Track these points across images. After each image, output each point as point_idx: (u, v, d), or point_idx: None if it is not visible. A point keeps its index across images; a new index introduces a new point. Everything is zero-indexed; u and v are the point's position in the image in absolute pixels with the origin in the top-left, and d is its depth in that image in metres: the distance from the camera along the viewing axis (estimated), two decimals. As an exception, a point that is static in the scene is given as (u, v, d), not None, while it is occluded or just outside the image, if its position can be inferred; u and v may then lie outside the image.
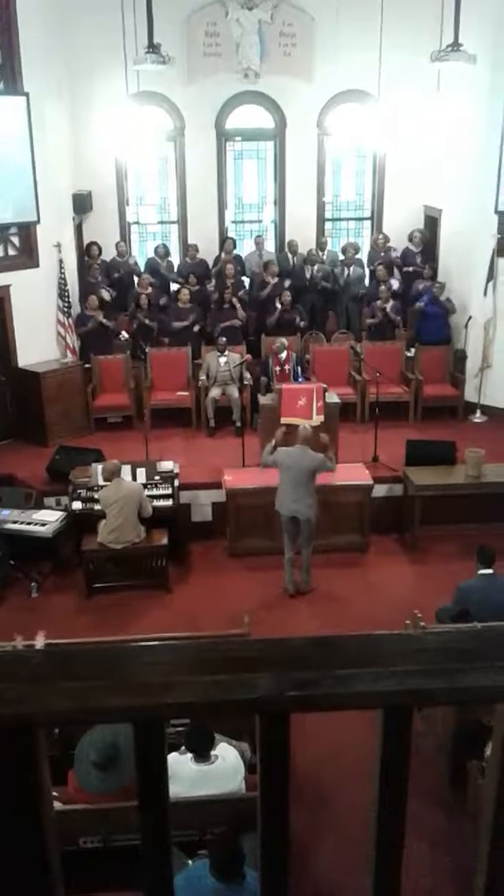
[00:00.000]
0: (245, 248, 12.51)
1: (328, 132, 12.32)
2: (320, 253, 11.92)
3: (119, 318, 11.21)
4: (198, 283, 11.43)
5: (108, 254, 11.75)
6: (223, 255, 11.84)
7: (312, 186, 12.49)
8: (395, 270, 11.78)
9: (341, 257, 11.95)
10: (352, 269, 11.70)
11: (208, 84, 11.76)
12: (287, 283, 11.33)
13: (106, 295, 11.12)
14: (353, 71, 11.42)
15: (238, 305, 11.04)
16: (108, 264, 11.66)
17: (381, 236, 12.20)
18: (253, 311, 11.46)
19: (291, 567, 7.68)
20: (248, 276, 11.99)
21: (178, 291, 11.24)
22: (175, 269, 12.04)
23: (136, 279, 11.51)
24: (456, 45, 9.70)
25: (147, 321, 10.93)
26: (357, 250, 11.99)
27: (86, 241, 11.80)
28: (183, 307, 11.01)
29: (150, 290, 11.13)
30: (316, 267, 11.68)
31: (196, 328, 11.04)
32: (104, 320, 10.75)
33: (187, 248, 12.06)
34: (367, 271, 11.94)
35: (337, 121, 12.28)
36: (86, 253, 11.61)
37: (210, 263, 11.96)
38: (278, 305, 11.04)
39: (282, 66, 11.79)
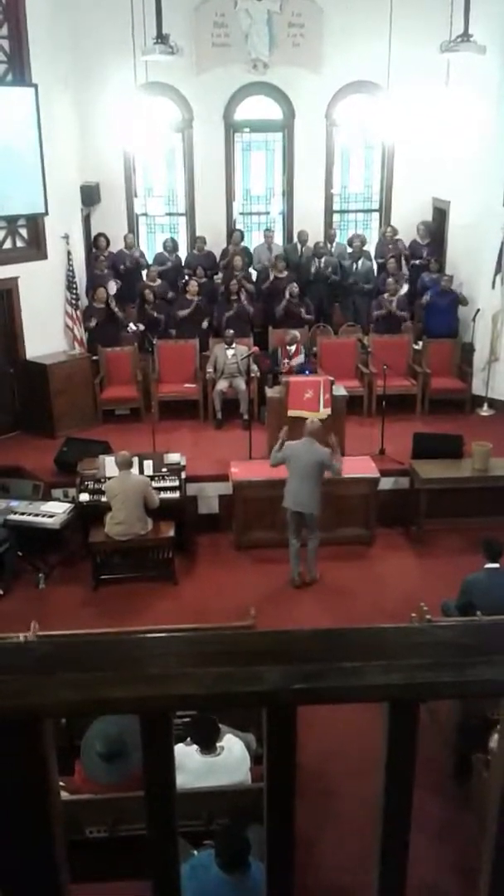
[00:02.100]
0: (253, 240, 12.47)
1: (337, 123, 12.28)
2: (328, 245, 11.89)
3: (128, 310, 11.20)
4: (205, 276, 11.41)
5: (116, 246, 11.74)
6: (231, 247, 11.81)
7: (321, 178, 12.44)
8: (404, 265, 11.74)
9: (349, 250, 11.92)
10: (360, 261, 11.66)
11: (217, 75, 11.72)
12: (292, 277, 11.29)
13: (113, 287, 11.11)
14: (362, 62, 11.36)
15: (244, 299, 11.01)
16: (115, 256, 11.64)
17: (389, 228, 12.15)
18: (260, 304, 11.44)
19: (297, 559, 7.69)
20: (255, 269, 11.96)
21: (185, 283, 11.22)
22: (183, 262, 12.02)
23: (143, 272, 11.49)
24: (466, 36, 9.63)
25: (154, 314, 10.92)
26: (364, 242, 11.94)
27: (94, 232, 11.79)
28: (191, 299, 10.99)
29: (157, 282, 11.12)
30: (324, 259, 11.65)
31: (204, 324, 11.02)
32: (115, 308, 10.74)
33: (195, 240, 12.04)
34: (374, 264, 11.89)
35: (345, 112, 12.23)
36: (93, 244, 11.60)
37: (218, 255, 11.94)
38: (286, 296, 11.01)
39: (290, 57, 11.73)
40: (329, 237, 12.07)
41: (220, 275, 11.63)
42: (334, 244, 12.02)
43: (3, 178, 9.48)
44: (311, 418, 7.64)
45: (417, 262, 11.79)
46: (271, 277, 11.28)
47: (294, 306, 11.04)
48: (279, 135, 12.43)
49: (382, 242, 12.16)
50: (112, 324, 10.86)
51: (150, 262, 11.91)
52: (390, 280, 11.09)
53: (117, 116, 11.26)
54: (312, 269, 11.60)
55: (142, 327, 10.71)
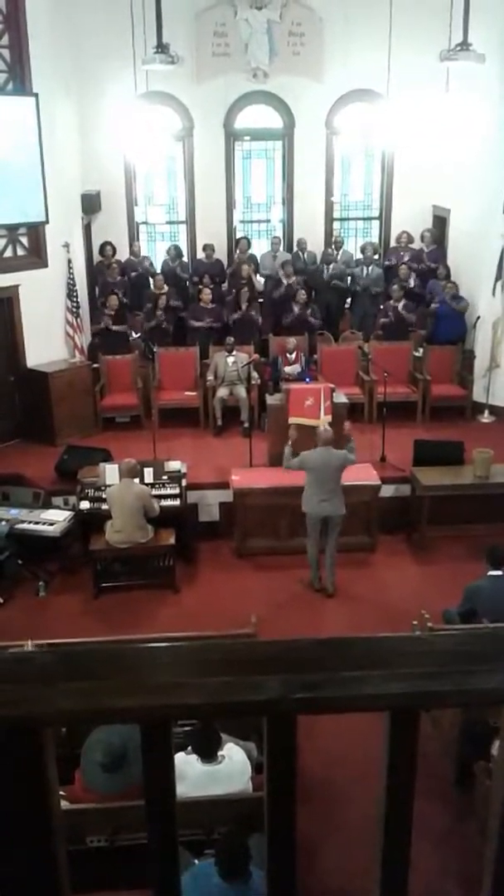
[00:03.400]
0: (256, 248, 12.50)
1: (337, 132, 12.32)
2: (335, 252, 11.93)
3: (132, 320, 11.22)
4: (213, 283, 11.43)
5: (119, 254, 11.77)
6: (238, 254, 11.84)
7: (321, 186, 12.49)
8: (412, 273, 11.77)
9: (358, 256, 11.95)
10: (370, 268, 11.69)
11: (217, 84, 11.77)
12: (302, 284, 11.31)
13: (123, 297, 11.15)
14: (361, 70, 11.41)
15: (250, 306, 11.02)
16: (124, 264, 11.68)
17: (404, 234, 12.17)
18: (269, 311, 11.46)
19: (317, 563, 7.70)
20: (261, 276, 11.99)
21: (199, 292, 11.23)
22: (189, 270, 12.05)
23: (151, 280, 11.52)
24: (465, 45, 9.67)
25: (165, 324, 10.93)
26: (376, 250, 12.00)
27: (94, 241, 11.82)
28: (205, 307, 11.01)
29: (165, 288, 11.13)
30: (331, 266, 11.68)
31: (217, 325, 11.04)
32: (113, 326, 10.77)
33: (203, 248, 12.06)
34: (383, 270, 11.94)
35: (346, 120, 12.28)
36: (100, 253, 11.64)
37: (224, 263, 11.97)
38: (295, 309, 11.02)
39: (291, 66, 11.79)
40: (336, 244, 12.10)
41: (227, 282, 11.66)
42: (341, 251, 12.05)
43: (4, 187, 9.50)
44: (324, 426, 7.66)
45: (424, 266, 11.82)
46: (285, 283, 11.29)
47: (304, 314, 11.06)
48: (279, 143, 12.48)
49: (395, 248, 12.19)
50: (118, 332, 10.88)
51: (157, 269, 11.95)
52: (395, 287, 11.11)
53: (118, 125, 11.30)
54: (325, 276, 11.63)
55: (136, 335, 10.75)
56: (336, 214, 12.83)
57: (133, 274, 11.63)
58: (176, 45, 10.22)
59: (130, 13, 10.14)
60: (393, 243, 12.45)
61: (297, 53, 11.76)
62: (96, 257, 11.92)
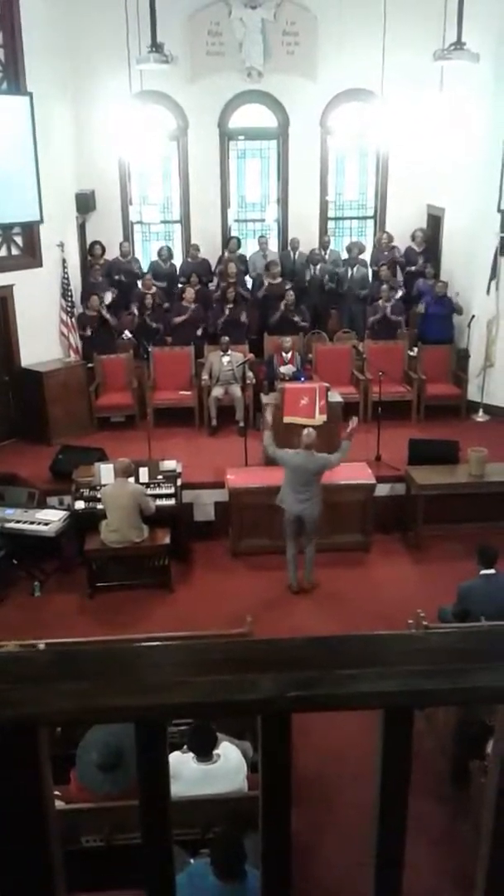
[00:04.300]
0: (249, 247, 12.50)
1: (331, 131, 12.32)
2: (323, 252, 11.92)
3: (122, 318, 11.21)
4: (199, 283, 11.42)
5: (112, 253, 11.75)
6: (227, 254, 11.83)
7: (315, 185, 12.48)
8: (399, 272, 11.77)
9: (345, 256, 11.94)
10: (356, 268, 11.69)
11: (211, 83, 11.76)
12: (288, 285, 11.30)
13: (108, 297, 11.11)
14: (356, 70, 11.41)
15: (237, 306, 11.02)
16: (110, 264, 11.65)
17: (384, 235, 12.19)
18: (255, 311, 11.45)
19: (295, 565, 7.69)
20: (251, 276, 11.98)
21: (182, 290, 11.23)
22: (178, 270, 12.03)
23: (139, 281, 11.50)
24: (459, 44, 9.66)
25: (153, 323, 10.92)
26: (362, 250, 11.98)
27: (89, 240, 11.80)
28: (187, 305, 11.00)
29: (153, 290, 11.13)
30: (319, 266, 11.67)
31: (199, 331, 11.02)
32: (107, 314, 10.74)
33: (189, 248, 12.05)
34: (370, 271, 11.92)
35: (340, 119, 12.28)
36: (89, 252, 11.61)
37: (214, 263, 11.96)
38: (281, 307, 11.02)
39: (285, 65, 11.78)
40: (323, 244, 12.09)
41: (215, 281, 11.64)
42: (328, 251, 12.04)
43: (-2, 186, 9.49)
44: (307, 430, 7.47)
45: (413, 268, 11.82)
46: (265, 284, 11.30)
47: (289, 314, 11.06)
48: (274, 142, 12.47)
49: (378, 249, 12.19)
50: (107, 331, 10.86)
51: (145, 270, 11.93)
52: (384, 287, 11.12)
53: (112, 124, 11.28)
54: (308, 277, 11.64)
55: (129, 335, 10.72)
56: (330, 214, 12.83)
57: (117, 277, 11.54)
58: (170, 45, 10.19)
59: (125, 12, 10.12)
60: (373, 246, 12.45)
61: (292, 53, 11.76)
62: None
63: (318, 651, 0.95)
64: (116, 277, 11.54)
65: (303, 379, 9.83)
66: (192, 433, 10.23)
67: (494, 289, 10.54)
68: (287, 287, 11.19)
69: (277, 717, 0.95)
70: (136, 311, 11.02)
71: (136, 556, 7.79)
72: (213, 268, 11.93)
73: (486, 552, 6.02)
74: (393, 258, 11.82)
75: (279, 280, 11.32)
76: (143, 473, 8.21)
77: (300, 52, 11.75)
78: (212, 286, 11.65)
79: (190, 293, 11.01)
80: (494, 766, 1.00)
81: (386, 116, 11.17)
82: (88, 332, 10.69)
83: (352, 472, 8.40)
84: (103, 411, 10.50)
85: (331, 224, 12.85)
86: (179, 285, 11.53)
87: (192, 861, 3.60)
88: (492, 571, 5.97)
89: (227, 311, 10.93)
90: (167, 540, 7.79)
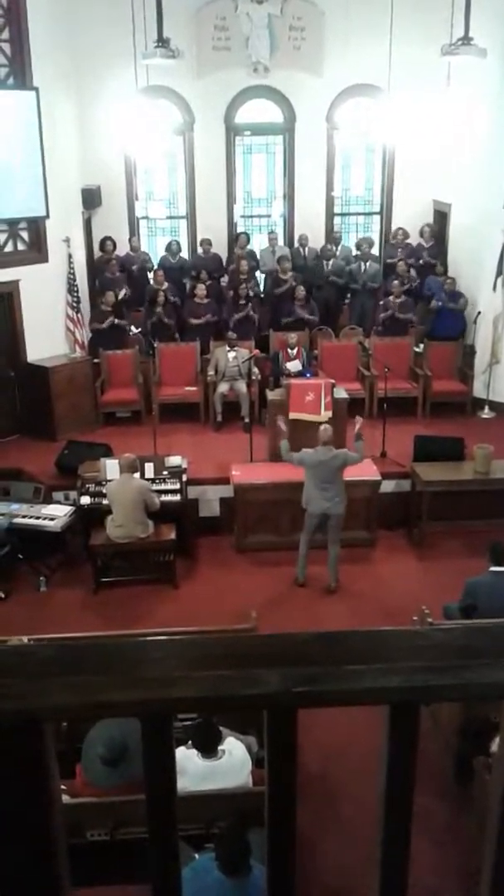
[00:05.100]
0: (255, 243, 12.48)
1: (337, 126, 12.30)
2: (333, 248, 11.90)
3: (132, 314, 11.20)
4: (210, 278, 11.40)
5: (120, 250, 11.75)
6: (237, 250, 11.82)
7: (322, 181, 12.47)
8: (411, 269, 11.75)
9: (355, 252, 11.93)
10: (368, 263, 11.67)
11: (217, 78, 11.74)
12: (298, 280, 11.29)
13: (122, 293, 11.12)
14: (362, 65, 11.39)
15: (251, 303, 11.00)
16: (124, 259, 11.67)
17: (399, 230, 12.15)
18: (268, 307, 11.44)
19: (306, 560, 7.70)
20: (261, 272, 11.97)
21: (193, 287, 11.21)
22: (186, 265, 12.03)
23: (150, 275, 11.49)
24: (466, 39, 9.64)
25: (165, 319, 10.92)
26: (371, 245, 11.97)
27: (95, 235, 11.80)
28: (200, 303, 10.99)
29: (165, 285, 11.11)
30: (330, 262, 11.66)
31: (213, 319, 11.00)
32: (117, 321, 10.76)
33: (201, 242, 12.03)
34: (381, 265, 11.90)
35: (346, 115, 12.25)
36: (100, 248, 11.62)
37: (223, 258, 11.95)
38: (296, 307, 10.99)
39: (291, 61, 11.76)
40: (334, 240, 12.07)
41: (226, 278, 11.63)
42: (339, 247, 12.03)
43: (4, 181, 9.49)
44: (324, 427, 7.55)
45: (421, 262, 11.80)
46: (284, 278, 11.27)
47: (300, 310, 11.05)
48: (280, 138, 12.45)
49: (392, 245, 12.17)
50: (118, 327, 10.87)
51: (155, 264, 11.93)
52: (396, 283, 11.10)
53: (118, 119, 11.27)
54: (325, 272, 11.60)
55: (135, 330, 10.73)
56: (337, 209, 12.81)
57: (133, 268, 11.60)
58: (176, 40, 10.18)
59: (131, 7, 10.11)
60: (384, 240, 12.44)
61: (298, 48, 11.73)
62: (96, 252, 11.90)
63: (322, 647, 0.95)
64: (133, 267, 11.54)
65: (308, 375, 9.82)
66: (197, 429, 10.23)
67: (500, 285, 10.51)
68: (296, 283, 11.18)
69: (283, 712, 0.94)
70: (151, 310, 10.96)
71: (141, 551, 7.80)
72: (223, 262, 11.91)
73: (499, 550, 5.99)
74: (412, 251, 11.78)
75: (289, 275, 11.29)
76: (149, 469, 8.21)
77: (307, 47, 11.72)
78: (223, 282, 11.63)
79: (201, 290, 11.00)
80: (500, 762, 1.00)
81: (392, 112, 11.13)
82: (104, 326, 10.68)
83: (357, 469, 8.37)
84: (109, 407, 10.51)
85: (337, 220, 12.82)
86: (189, 280, 11.49)
87: (196, 856, 3.61)
88: (502, 569, 5.94)
89: (247, 309, 10.88)
90: (172, 536, 7.80)
